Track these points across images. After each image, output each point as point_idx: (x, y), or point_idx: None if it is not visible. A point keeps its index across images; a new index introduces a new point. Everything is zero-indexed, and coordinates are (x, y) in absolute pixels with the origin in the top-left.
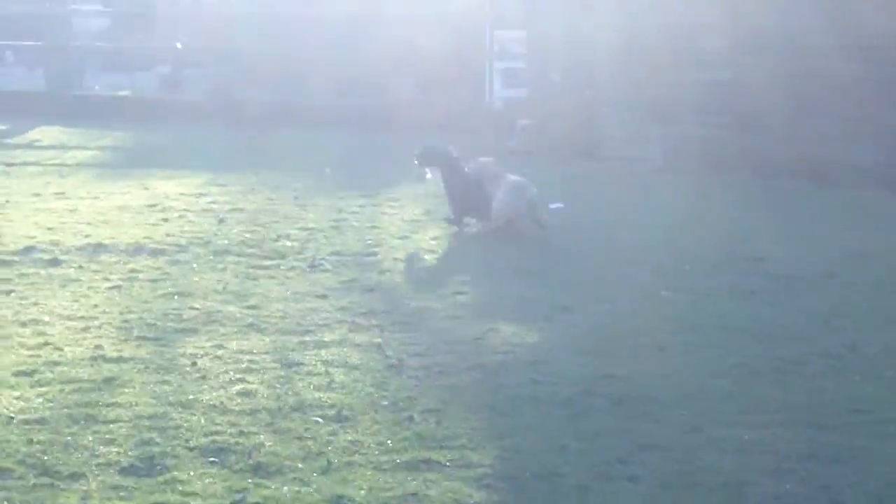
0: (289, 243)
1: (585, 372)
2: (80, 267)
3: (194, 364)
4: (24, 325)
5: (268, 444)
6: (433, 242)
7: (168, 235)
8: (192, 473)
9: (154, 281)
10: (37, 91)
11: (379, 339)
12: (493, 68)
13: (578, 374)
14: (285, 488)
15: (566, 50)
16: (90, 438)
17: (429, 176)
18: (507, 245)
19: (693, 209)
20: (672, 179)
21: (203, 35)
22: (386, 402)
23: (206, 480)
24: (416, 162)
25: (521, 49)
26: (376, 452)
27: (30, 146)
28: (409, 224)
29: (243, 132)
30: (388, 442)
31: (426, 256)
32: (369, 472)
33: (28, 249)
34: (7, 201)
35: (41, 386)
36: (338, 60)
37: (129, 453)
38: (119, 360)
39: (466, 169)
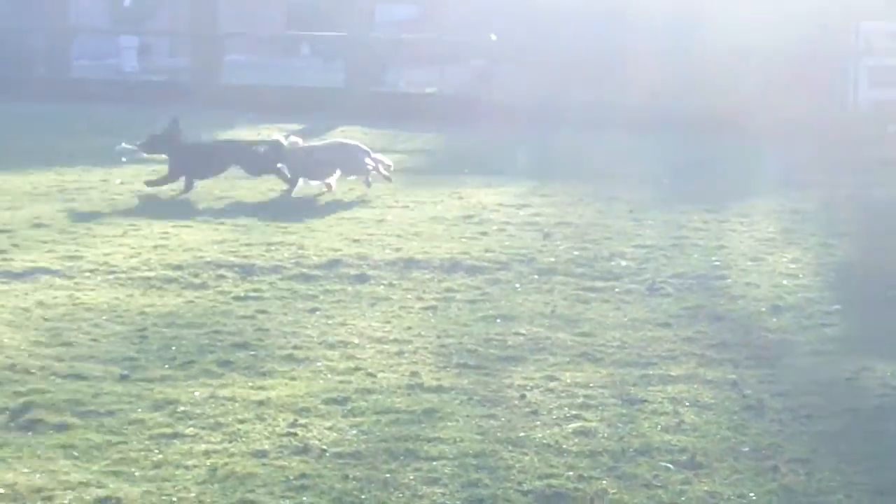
0: (624, 263)
1: None
2: (391, 284)
3: (523, 397)
4: (331, 347)
5: (611, 491)
6: (793, 266)
7: (487, 251)
8: None
9: (472, 302)
10: (335, 87)
11: (734, 376)
12: (860, 66)
13: None
14: None
15: None
16: (411, 476)
17: (125, 159)
18: (882, 268)
19: None
20: None
21: (520, 27)
22: (746, 449)
23: None
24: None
25: (894, 43)
26: None
27: None
28: (761, 243)
29: (568, 135)
30: (751, 494)
31: (784, 281)
32: None
33: (333, 263)
34: (308, 209)
35: (354, 416)
36: (668, 58)
37: (456, 495)
38: (438, 389)
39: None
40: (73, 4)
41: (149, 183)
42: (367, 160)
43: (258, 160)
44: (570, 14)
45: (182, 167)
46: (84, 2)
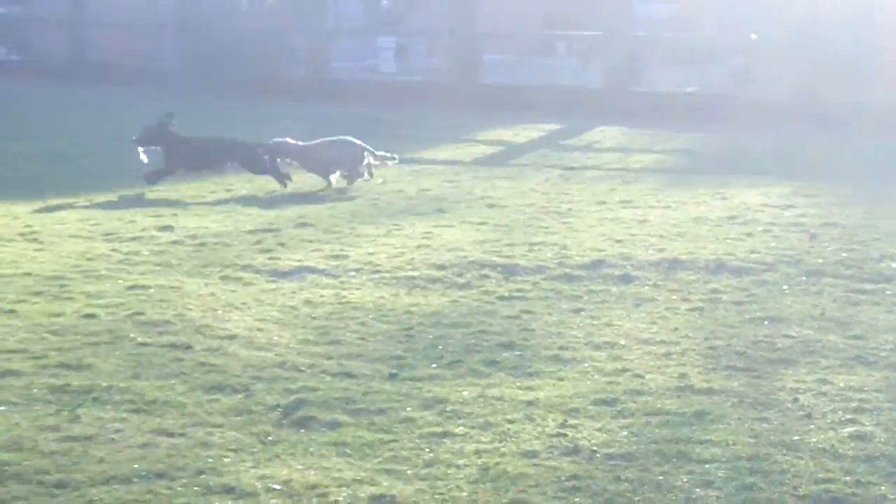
0: (894, 265)
1: None
2: (655, 285)
3: (796, 400)
4: (597, 347)
5: (890, 496)
6: None
7: (752, 252)
8: None
9: (739, 303)
10: (593, 87)
11: None
12: None
13: None
14: None
15: None
16: (684, 479)
17: (144, 159)
18: None
19: None
20: None
21: (783, 25)
22: None
23: None
24: (133, 141)
25: None
26: None
27: (589, 148)
28: None
29: (830, 135)
30: None
31: None
32: None
33: (596, 263)
34: (569, 209)
35: (624, 417)
36: None
37: (731, 498)
38: (708, 391)
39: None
40: (333, 7)
41: (147, 176)
42: (366, 157)
43: (256, 159)
44: (829, 14)
45: (176, 159)
46: (343, 4)
